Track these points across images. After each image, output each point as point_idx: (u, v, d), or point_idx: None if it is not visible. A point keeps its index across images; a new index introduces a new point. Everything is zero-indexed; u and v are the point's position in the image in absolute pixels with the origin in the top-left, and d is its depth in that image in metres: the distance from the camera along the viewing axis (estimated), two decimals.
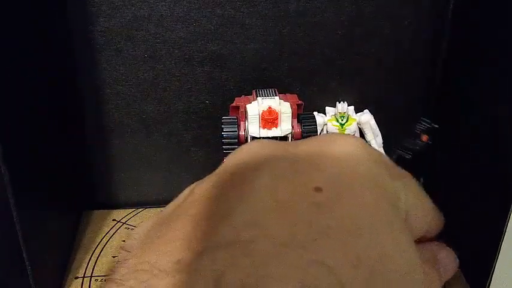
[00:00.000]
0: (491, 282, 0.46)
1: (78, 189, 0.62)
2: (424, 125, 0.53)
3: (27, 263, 0.43)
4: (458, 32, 0.56)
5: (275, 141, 0.21)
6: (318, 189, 0.17)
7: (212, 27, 0.55)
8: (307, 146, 0.20)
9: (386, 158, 0.21)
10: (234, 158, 0.20)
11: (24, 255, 0.43)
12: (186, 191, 0.20)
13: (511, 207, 0.43)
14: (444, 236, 0.64)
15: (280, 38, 0.57)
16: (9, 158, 0.40)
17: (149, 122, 0.60)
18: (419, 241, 0.22)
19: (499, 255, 0.45)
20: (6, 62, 0.40)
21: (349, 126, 0.59)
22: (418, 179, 0.56)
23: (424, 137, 0.54)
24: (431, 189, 0.65)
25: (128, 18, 0.54)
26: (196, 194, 0.19)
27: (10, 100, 0.41)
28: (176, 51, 0.56)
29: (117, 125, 0.60)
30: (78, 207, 0.63)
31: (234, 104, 0.55)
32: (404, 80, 0.60)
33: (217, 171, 0.20)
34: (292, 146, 0.20)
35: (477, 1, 0.51)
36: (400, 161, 0.55)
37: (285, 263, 0.15)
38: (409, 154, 0.54)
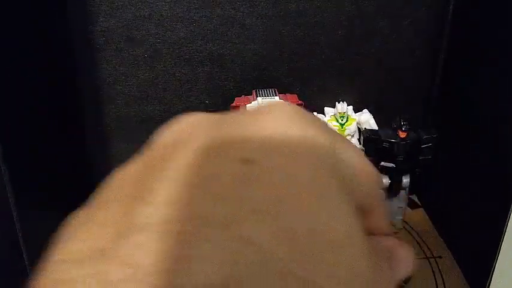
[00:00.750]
0: (491, 282, 0.46)
1: (78, 189, 0.62)
2: (403, 124, 0.54)
3: (27, 263, 0.43)
4: (458, 32, 0.56)
5: (208, 114, 0.20)
6: (246, 161, 0.16)
7: (212, 27, 0.55)
8: (240, 117, 0.19)
9: (323, 122, 0.20)
10: (160, 136, 0.19)
11: (24, 255, 0.43)
12: (109, 177, 0.19)
13: (511, 207, 0.43)
14: (444, 236, 0.64)
15: (280, 38, 0.57)
16: (9, 158, 0.40)
17: (149, 122, 0.60)
18: (374, 234, 0.21)
19: (499, 255, 0.45)
20: (7, 62, 0.40)
21: (349, 126, 0.60)
22: (413, 177, 0.56)
23: (402, 134, 0.54)
24: (432, 189, 0.66)
25: (128, 18, 0.54)
26: (118, 177, 0.18)
27: (10, 100, 0.41)
28: (176, 51, 0.56)
29: (117, 125, 0.60)
30: (78, 207, 0.63)
31: (234, 104, 0.55)
32: (405, 80, 0.60)
33: (141, 152, 0.19)
34: (223, 119, 0.19)
35: (477, 1, 0.51)
36: (368, 144, 0.56)
37: (206, 242, 0.14)
38: (376, 140, 0.55)
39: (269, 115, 0.18)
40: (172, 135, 0.19)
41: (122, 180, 0.18)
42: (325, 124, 0.20)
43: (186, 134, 0.18)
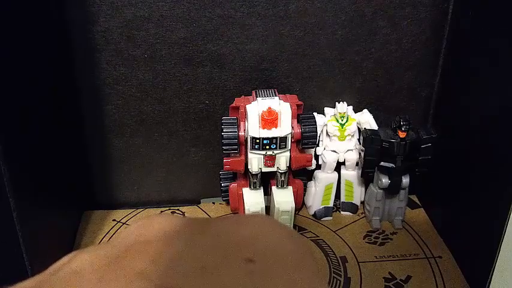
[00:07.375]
0: (491, 282, 0.46)
1: (78, 190, 0.62)
2: (403, 124, 0.54)
3: (27, 263, 0.43)
4: (458, 32, 0.56)
5: (188, 217, 0.19)
6: (250, 260, 0.16)
7: (212, 27, 0.55)
8: (224, 221, 0.19)
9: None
10: (130, 231, 0.17)
11: (24, 255, 0.43)
12: (73, 257, 0.17)
13: (511, 207, 0.43)
14: (444, 236, 0.64)
15: (280, 38, 0.57)
16: (9, 158, 0.40)
17: (149, 122, 0.60)
18: None
19: (499, 255, 0.45)
20: (6, 63, 0.40)
21: (349, 126, 0.60)
22: (415, 174, 0.56)
23: (402, 134, 0.55)
24: (432, 189, 0.66)
25: (128, 18, 0.54)
26: (84, 260, 0.16)
27: (10, 100, 0.41)
28: (176, 51, 0.56)
29: (117, 125, 0.60)
30: (78, 207, 0.63)
31: (233, 105, 0.55)
32: (404, 80, 0.60)
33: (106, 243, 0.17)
34: (205, 222, 0.18)
35: (477, 1, 0.51)
36: (368, 144, 0.56)
37: None
38: (374, 139, 0.55)
39: (251, 223, 0.19)
40: (151, 232, 0.17)
41: (91, 262, 0.16)
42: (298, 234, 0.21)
43: (169, 232, 0.17)
